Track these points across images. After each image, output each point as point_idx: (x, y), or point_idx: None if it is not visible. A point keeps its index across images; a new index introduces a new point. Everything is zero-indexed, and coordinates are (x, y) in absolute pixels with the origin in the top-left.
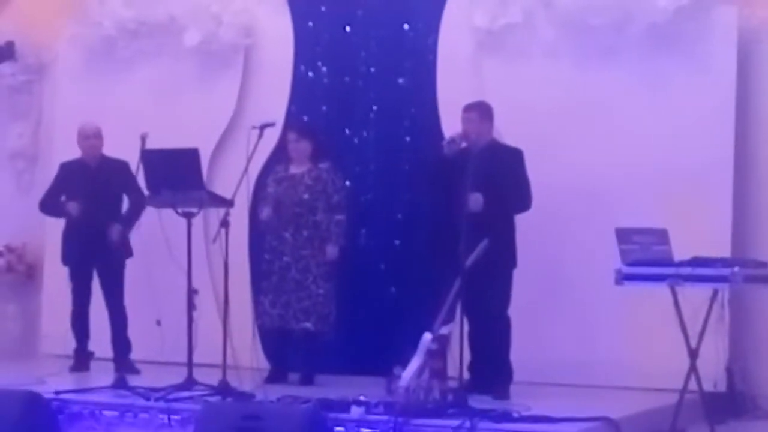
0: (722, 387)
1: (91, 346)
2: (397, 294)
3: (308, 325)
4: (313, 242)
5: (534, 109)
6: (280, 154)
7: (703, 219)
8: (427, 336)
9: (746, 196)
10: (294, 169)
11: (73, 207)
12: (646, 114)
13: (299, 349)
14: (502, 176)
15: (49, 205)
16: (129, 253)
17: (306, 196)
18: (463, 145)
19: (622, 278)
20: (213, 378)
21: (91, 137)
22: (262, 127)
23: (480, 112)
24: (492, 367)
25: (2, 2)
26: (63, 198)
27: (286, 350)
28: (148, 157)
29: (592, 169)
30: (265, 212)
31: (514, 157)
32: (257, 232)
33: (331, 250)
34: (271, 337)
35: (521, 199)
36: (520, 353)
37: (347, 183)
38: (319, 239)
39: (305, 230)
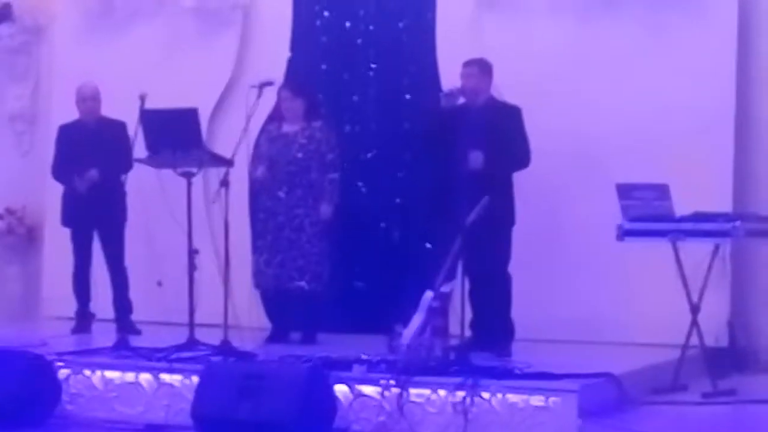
0: (724, 342)
1: (93, 307)
2: (398, 252)
3: (302, 283)
4: (307, 201)
5: (534, 65)
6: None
7: (704, 174)
8: (429, 294)
9: (747, 150)
10: (287, 128)
11: (80, 183)
12: (648, 68)
13: (299, 308)
14: (501, 134)
15: (62, 175)
16: (124, 216)
17: (300, 155)
18: (461, 100)
19: (624, 234)
20: (215, 338)
21: (88, 99)
22: (261, 86)
23: (480, 67)
24: (493, 324)
25: None
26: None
27: (285, 309)
28: (148, 117)
29: (592, 125)
30: (260, 171)
31: (513, 114)
32: (253, 191)
33: (325, 209)
34: (270, 297)
35: (520, 156)
36: (521, 310)
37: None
38: (313, 198)
39: (299, 189)
